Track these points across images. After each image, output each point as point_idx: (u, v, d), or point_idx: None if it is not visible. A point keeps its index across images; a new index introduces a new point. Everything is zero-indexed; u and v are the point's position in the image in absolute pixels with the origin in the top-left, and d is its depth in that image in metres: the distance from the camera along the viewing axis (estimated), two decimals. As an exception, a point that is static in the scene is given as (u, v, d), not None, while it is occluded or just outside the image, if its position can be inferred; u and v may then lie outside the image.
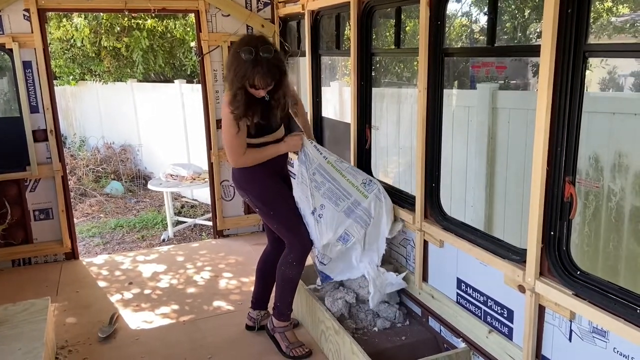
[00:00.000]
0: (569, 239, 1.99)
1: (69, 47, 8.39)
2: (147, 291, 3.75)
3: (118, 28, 7.91)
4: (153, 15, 7.62)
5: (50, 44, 7.82)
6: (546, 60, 1.87)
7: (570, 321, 1.98)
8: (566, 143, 1.90)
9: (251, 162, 2.72)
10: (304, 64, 4.19)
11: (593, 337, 1.91)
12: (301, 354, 2.85)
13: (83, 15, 7.67)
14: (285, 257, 2.82)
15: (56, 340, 3.05)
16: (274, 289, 2.97)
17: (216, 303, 3.54)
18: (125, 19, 7.71)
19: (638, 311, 1.71)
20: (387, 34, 4.86)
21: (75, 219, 5.06)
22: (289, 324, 2.92)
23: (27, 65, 3.90)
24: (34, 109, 3.96)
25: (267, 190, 2.80)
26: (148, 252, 4.62)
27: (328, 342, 2.84)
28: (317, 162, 2.84)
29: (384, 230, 2.93)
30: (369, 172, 3.45)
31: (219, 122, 4.48)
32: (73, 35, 7.82)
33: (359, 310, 3.03)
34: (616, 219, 2.83)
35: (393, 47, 3.31)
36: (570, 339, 2.00)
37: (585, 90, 1.88)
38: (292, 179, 2.97)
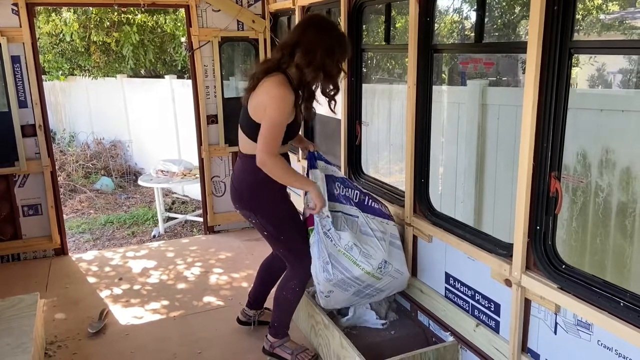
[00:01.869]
0: (555, 233, 2.01)
1: (58, 41, 8.35)
2: (136, 287, 3.74)
3: (108, 23, 7.87)
4: (143, 10, 7.60)
5: (39, 38, 7.79)
6: (532, 56, 1.89)
7: (556, 314, 2.01)
8: (552, 139, 1.92)
9: (279, 171, 2.41)
10: (295, 59, 4.18)
11: (578, 329, 1.94)
12: (307, 359, 2.77)
13: (72, 10, 7.62)
14: (287, 282, 2.70)
15: (45, 336, 3.04)
16: (270, 292, 2.95)
17: (206, 299, 3.55)
18: (115, 13, 7.67)
19: (621, 304, 1.74)
20: (379, 30, 4.87)
21: (65, 215, 5.05)
22: (286, 336, 2.83)
23: (15, 59, 3.86)
24: (22, 104, 3.93)
25: (280, 213, 2.59)
26: (138, 248, 4.61)
27: (318, 336, 2.86)
28: (327, 252, 2.53)
29: (397, 291, 2.84)
30: (360, 169, 3.47)
31: (209, 118, 4.48)
32: (62, 29, 7.78)
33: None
34: (603, 214, 2.86)
35: (383, 43, 3.32)
36: (555, 332, 2.03)
37: (571, 87, 1.91)
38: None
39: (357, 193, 2.77)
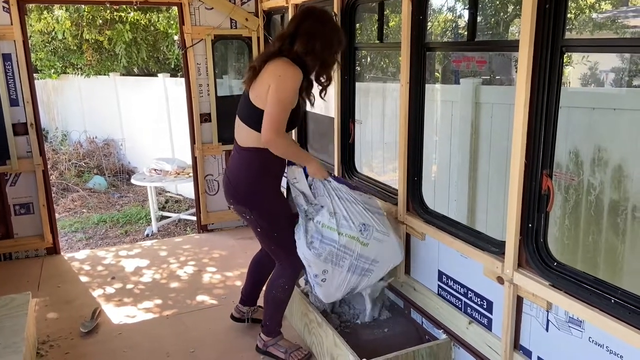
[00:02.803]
0: (546, 231, 2.02)
1: (50, 39, 8.29)
2: (129, 286, 3.73)
3: (100, 21, 7.82)
4: (135, 7, 7.56)
5: (30, 36, 7.74)
6: (524, 55, 1.90)
7: (547, 311, 2.02)
8: (544, 137, 1.93)
9: (286, 148, 2.44)
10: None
11: (569, 327, 1.95)
12: (301, 357, 2.77)
13: (64, 8, 7.57)
14: (277, 280, 2.68)
15: (37, 336, 3.02)
16: (263, 288, 2.93)
17: (200, 297, 3.54)
18: (107, 11, 7.63)
19: (613, 301, 1.75)
20: (372, 28, 4.88)
21: (57, 214, 5.01)
22: (279, 335, 2.83)
23: (6, 57, 3.84)
24: (13, 102, 3.91)
25: (275, 208, 2.58)
26: (131, 247, 4.59)
27: (311, 334, 2.86)
28: (313, 229, 2.55)
29: (393, 263, 2.72)
30: (353, 168, 3.47)
31: (202, 116, 4.47)
32: (54, 27, 7.73)
33: (343, 304, 3.05)
34: (595, 212, 2.88)
35: (376, 41, 3.32)
36: (547, 329, 2.04)
37: (562, 85, 1.92)
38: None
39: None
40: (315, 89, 2.59)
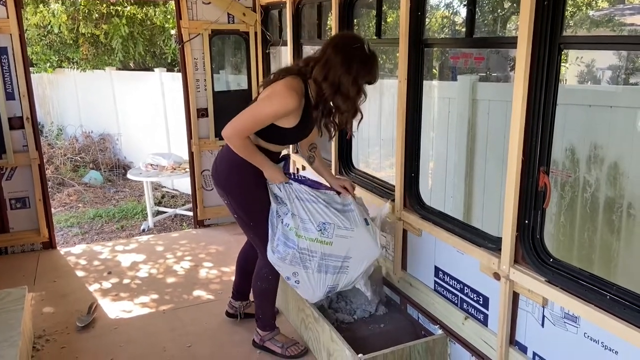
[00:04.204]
0: (543, 227, 2.03)
1: (45, 33, 8.25)
2: (126, 281, 3.73)
3: (96, 15, 7.79)
4: (132, 1, 7.54)
5: (26, 30, 7.68)
6: (522, 51, 1.90)
7: (543, 307, 2.03)
8: (541, 134, 1.94)
9: (240, 149, 2.40)
10: (286, 53, 4.18)
11: (564, 322, 1.96)
12: (297, 352, 2.79)
13: (60, 1, 7.54)
14: (260, 271, 2.70)
15: (33, 330, 3.02)
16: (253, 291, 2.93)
17: (196, 292, 3.54)
18: (104, 5, 7.60)
19: (608, 297, 1.76)
20: (370, 24, 4.87)
21: (53, 209, 4.99)
22: (276, 329, 2.85)
23: (2, 51, 3.82)
24: (9, 96, 3.89)
25: (252, 199, 2.58)
26: (127, 242, 4.58)
27: (308, 330, 2.86)
28: (280, 231, 2.53)
29: (371, 257, 2.64)
30: (350, 164, 3.48)
31: (199, 111, 4.45)
32: (50, 21, 7.69)
33: (340, 299, 3.06)
34: (591, 209, 2.90)
35: (374, 37, 3.32)
36: (542, 325, 2.06)
37: (560, 82, 1.92)
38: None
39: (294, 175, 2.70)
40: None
